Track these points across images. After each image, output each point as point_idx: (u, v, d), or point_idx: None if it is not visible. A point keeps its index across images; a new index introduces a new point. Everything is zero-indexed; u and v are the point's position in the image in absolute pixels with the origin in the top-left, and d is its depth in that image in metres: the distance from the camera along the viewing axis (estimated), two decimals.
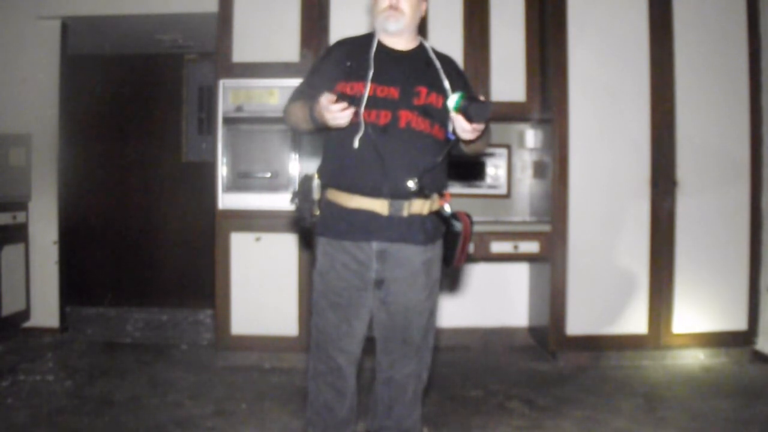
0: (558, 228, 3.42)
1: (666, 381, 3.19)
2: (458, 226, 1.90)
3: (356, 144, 1.83)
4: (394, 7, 1.90)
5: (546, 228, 3.46)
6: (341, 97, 1.75)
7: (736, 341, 3.50)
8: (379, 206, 1.86)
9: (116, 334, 4.10)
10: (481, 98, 1.71)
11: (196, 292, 4.68)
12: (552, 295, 3.45)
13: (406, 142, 1.85)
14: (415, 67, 1.94)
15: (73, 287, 4.28)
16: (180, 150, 5.26)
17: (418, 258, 1.92)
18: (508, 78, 3.57)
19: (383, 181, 1.85)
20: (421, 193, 1.86)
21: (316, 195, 1.96)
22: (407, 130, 1.86)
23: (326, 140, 2.00)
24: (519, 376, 3.29)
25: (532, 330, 3.89)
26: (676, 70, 3.42)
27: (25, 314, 3.92)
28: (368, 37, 1.99)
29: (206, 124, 5.22)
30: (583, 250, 3.43)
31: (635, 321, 3.45)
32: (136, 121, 5.26)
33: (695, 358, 3.49)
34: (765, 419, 2.68)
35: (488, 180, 3.95)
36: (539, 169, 3.75)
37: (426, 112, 1.88)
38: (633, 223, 3.44)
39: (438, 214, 1.93)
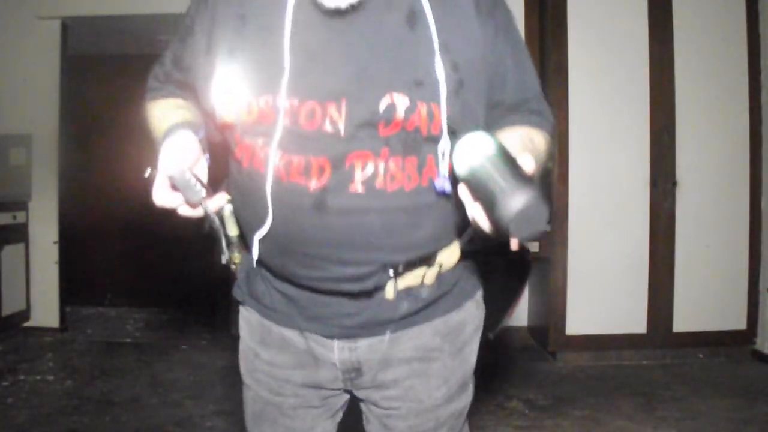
0: (558, 228, 3.42)
1: (666, 381, 3.19)
2: (528, 249, 1.06)
3: (262, 243, 0.99)
4: None
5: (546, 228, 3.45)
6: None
7: (736, 341, 3.49)
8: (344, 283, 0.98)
9: (116, 334, 4.10)
10: (525, 164, 0.77)
11: (196, 292, 4.68)
12: (552, 295, 3.45)
13: (364, 222, 0.91)
14: (379, 40, 0.89)
15: (73, 287, 4.28)
16: None
17: (429, 333, 1.04)
18: None
19: (336, 261, 0.95)
20: (418, 264, 0.99)
21: (233, 229, 1.08)
22: (370, 195, 0.90)
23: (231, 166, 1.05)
24: (519, 376, 3.29)
25: (532, 330, 3.89)
26: (676, 70, 3.42)
27: (25, 314, 3.92)
28: None
29: None
30: (583, 250, 3.43)
31: (635, 321, 3.45)
32: (137, 121, 5.25)
33: (695, 357, 3.49)
34: (765, 419, 2.68)
35: None
36: None
37: (406, 145, 0.89)
38: (633, 223, 3.44)
39: (473, 254, 1.02)
